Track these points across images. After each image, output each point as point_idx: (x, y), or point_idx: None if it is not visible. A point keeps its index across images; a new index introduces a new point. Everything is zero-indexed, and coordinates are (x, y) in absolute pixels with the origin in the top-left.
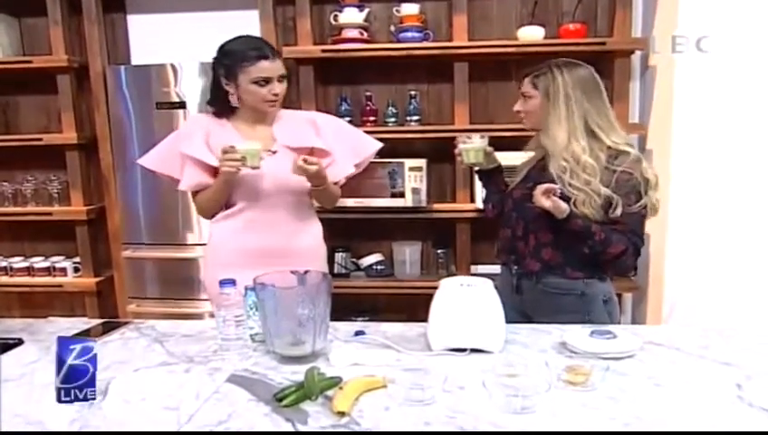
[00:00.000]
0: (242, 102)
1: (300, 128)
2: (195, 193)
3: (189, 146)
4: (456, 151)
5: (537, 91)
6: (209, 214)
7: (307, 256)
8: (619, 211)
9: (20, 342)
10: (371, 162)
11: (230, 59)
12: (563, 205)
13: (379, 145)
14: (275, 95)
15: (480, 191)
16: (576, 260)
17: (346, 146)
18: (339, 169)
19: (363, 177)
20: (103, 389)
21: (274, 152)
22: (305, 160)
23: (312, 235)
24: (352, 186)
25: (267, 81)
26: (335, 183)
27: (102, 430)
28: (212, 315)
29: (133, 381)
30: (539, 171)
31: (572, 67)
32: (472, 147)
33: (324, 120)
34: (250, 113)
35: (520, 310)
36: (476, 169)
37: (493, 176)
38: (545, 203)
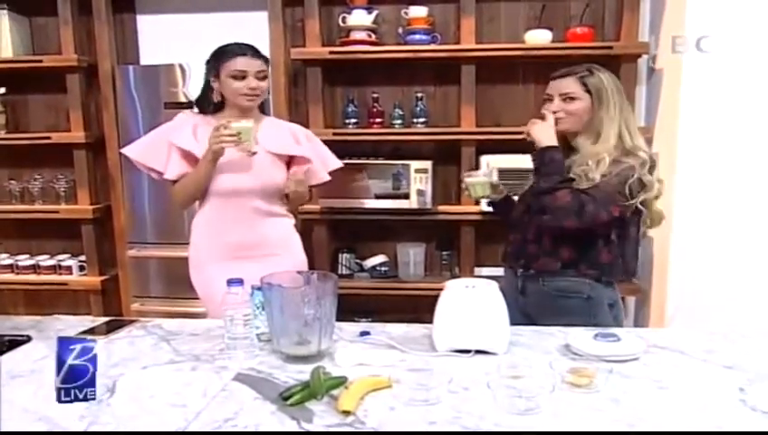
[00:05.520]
0: (225, 101)
1: (282, 135)
2: (174, 182)
3: (178, 137)
4: (463, 186)
5: (586, 93)
6: (187, 201)
7: (279, 245)
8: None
9: (28, 339)
10: (376, 163)
11: (215, 58)
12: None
13: (340, 164)
14: (251, 89)
15: None
16: (592, 258)
17: (319, 157)
18: (316, 175)
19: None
20: (111, 386)
21: (254, 153)
22: (295, 173)
23: (283, 225)
24: (355, 186)
25: (244, 75)
26: (310, 187)
27: (109, 430)
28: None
29: (141, 378)
30: None
31: (604, 70)
32: (477, 181)
33: (303, 133)
34: (234, 111)
35: (524, 311)
36: (488, 201)
37: (504, 206)
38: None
